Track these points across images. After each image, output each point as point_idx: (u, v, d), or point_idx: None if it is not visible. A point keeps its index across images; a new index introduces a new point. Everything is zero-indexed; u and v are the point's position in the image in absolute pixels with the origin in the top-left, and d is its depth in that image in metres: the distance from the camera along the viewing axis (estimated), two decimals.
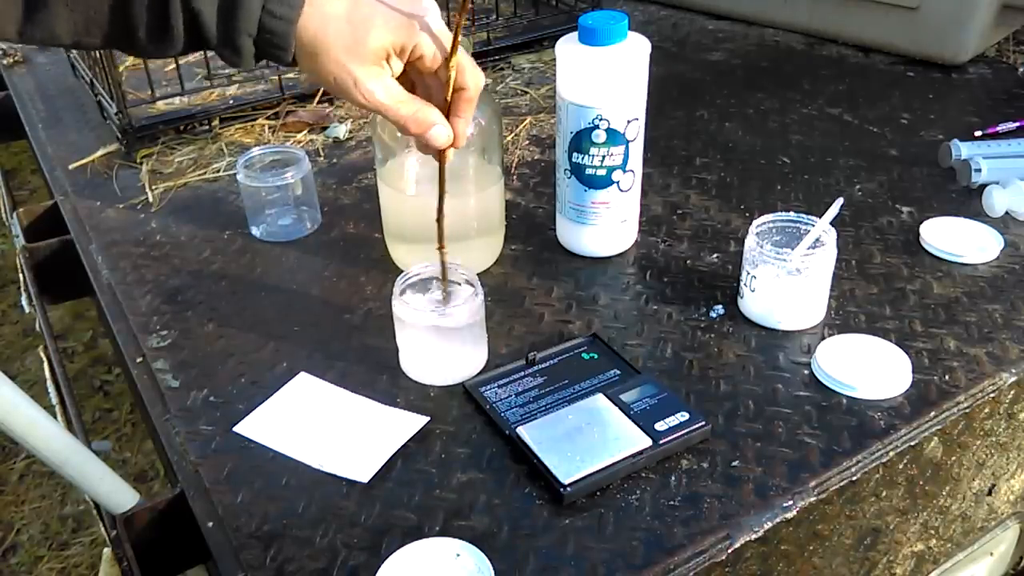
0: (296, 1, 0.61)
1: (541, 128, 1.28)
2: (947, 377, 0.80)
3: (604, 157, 0.90)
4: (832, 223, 0.85)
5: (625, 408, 0.75)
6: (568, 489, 0.68)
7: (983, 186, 1.06)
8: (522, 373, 0.81)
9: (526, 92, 1.38)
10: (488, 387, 0.80)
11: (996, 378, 0.80)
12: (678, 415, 0.74)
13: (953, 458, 0.81)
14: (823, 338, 0.85)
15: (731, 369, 0.82)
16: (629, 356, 0.83)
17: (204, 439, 0.77)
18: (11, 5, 0.57)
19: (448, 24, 0.67)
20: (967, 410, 0.78)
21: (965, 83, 1.37)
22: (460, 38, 0.83)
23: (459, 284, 0.82)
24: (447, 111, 0.69)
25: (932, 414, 0.77)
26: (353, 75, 0.63)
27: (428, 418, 0.77)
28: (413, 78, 0.69)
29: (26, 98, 1.44)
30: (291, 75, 1.34)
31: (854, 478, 0.72)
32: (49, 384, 0.98)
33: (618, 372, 0.81)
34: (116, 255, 1.02)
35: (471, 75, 0.68)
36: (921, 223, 1.00)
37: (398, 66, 0.66)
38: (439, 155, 0.72)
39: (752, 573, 0.70)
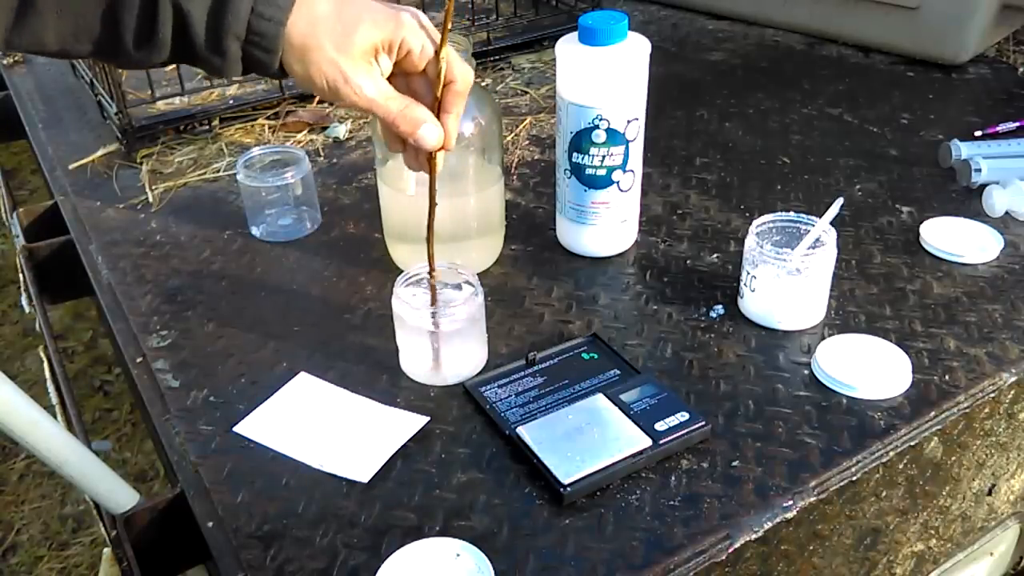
0: (285, 2, 0.61)
1: (541, 128, 1.27)
2: (947, 377, 0.80)
3: (604, 157, 0.90)
4: (832, 223, 0.85)
5: (625, 408, 0.75)
6: (568, 489, 0.68)
7: (983, 186, 1.06)
8: (522, 373, 0.81)
9: (526, 92, 1.38)
10: (488, 387, 0.80)
11: (996, 378, 0.80)
12: (678, 415, 0.74)
13: (953, 458, 0.81)
14: (823, 338, 0.85)
15: (731, 369, 0.82)
16: (629, 356, 0.83)
17: (204, 439, 0.77)
18: (1, 12, 0.57)
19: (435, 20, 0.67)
20: (967, 410, 0.78)
21: (965, 83, 1.37)
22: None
23: (459, 284, 0.82)
24: (437, 111, 0.69)
25: (932, 414, 0.77)
26: (343, 71, 0.63)
27: (428, 418, 0.77)
28: (399, 86, 0.68)
29: (26, 98, 1.44)
30: None
31: (854, 478, 0.72)
32: (49, 384, 0.98)
33: (618, 372, 0.81)
34: (116, 255, 1.02)
35: (459, 68, 0.68)
36: (921, 223, 1.00)
37: (387, 64, 0.66)
38: (429, 162, 0.71)
39: (752, 573, 0.70)
